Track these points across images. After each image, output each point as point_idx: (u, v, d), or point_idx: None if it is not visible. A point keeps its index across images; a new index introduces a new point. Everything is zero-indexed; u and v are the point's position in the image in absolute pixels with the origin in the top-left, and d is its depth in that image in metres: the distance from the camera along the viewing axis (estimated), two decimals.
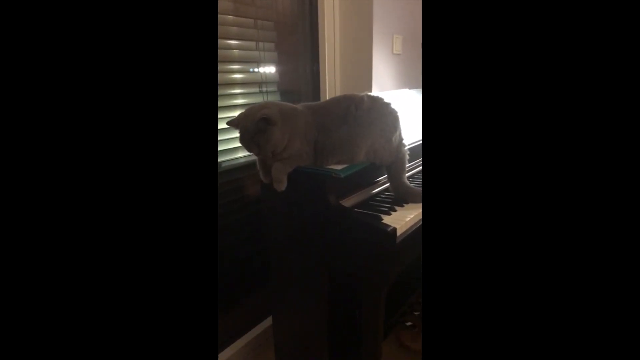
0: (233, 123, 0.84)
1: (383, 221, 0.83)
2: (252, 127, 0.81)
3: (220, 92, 1.15)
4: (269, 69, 1.33)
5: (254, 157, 0.95)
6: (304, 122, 0.89)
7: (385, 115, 0.94)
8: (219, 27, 1.12)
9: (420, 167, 1.18)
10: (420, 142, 1.16)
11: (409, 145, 1.00)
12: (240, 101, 1.24)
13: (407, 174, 1.00)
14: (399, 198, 0.96)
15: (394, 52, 1.52)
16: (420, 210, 0.90)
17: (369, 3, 1.35)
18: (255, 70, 1.28)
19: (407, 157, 0.98)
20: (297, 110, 0.90)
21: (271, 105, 0.88)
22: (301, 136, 0.87)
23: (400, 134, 0.97)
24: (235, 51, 1.22)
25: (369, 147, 0.92)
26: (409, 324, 1.42)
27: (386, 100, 0.96)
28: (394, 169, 0.96)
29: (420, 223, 0.88)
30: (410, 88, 1.46)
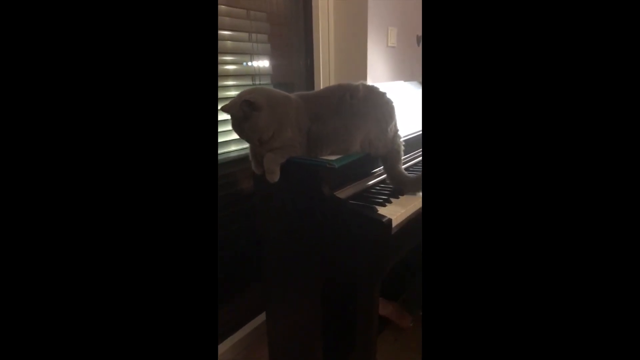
0: (225, 108, 0.82)
1: (378, 212, 0.81)
2: (238, 112, 0.79)
3: None
4: (262, 61, 1.31)
5: (247, 151, 0.93)
6: (296, 111, 0.87)
7: (381, 105, 0.92)
8: None
9: (415, 160, 1.17)
10: (415, 134, 1.15)
11: (404, 137, 0.99)
12: (233, 93, 1.22)
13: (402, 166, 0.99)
14: (396, 188, 0.95)
15: (389, 44, 1.50)
16: (416, 202, 0.89)
17: None
18: (249, 64, 1.26)
19: (403, 147, 0.97)
20: (289, 98, 0.88)
21: (259, 90, 0.87)
22: (292, 125, 0.85)
23: (395, 124, 0.96)
24: (228, 42, 1.20)
25: (364, 137, 0.90)
26: None
27: (382, 90, 0.94)
28: (390, 160, 0.95)
29: (415, 215, 0.87)
30: (405, 80, 1.45)
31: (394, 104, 0.95)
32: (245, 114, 0.79)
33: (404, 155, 1.00)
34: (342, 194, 0.88)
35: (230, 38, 1.20)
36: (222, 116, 1.15)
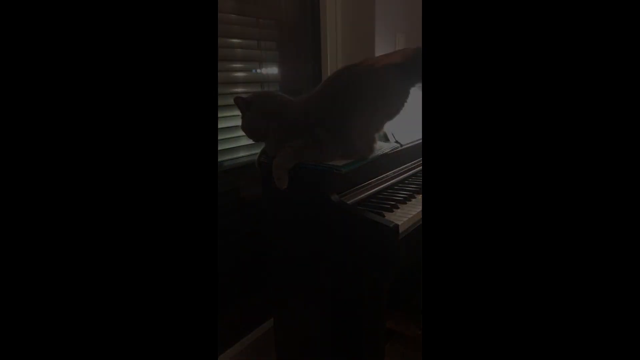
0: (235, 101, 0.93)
1: (385, 218, 0.81)
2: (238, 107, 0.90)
3: (222, 91, 1.15)
4: (271, 68, 1.32)
5: (256, 157, 0.96)
6: (298, 116, 0.89)
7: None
8: (221, 25, 1.11)
9: (420, 167, 1.17)
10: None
11: (411, 143, 1.00)
12: None
13: (406, 175, 1.03)
14: None
15: None
16: None
17: (371, 1, 1.35)
18: (258, 71, 1.28)
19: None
20: (292, 104, 0.91)
21: (264, 92, 0.97)
22: (288, 130, 0.87)
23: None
24: (238, 50, 1.21)
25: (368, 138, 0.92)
26: None
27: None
28: None
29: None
30: None
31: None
32: (240, 110, 0.88)
33: (410, 162, 1.01)
34: (350, 199, 0.89)
35: (239, 46, 1.21)
36: (233, 122, 1.17)
